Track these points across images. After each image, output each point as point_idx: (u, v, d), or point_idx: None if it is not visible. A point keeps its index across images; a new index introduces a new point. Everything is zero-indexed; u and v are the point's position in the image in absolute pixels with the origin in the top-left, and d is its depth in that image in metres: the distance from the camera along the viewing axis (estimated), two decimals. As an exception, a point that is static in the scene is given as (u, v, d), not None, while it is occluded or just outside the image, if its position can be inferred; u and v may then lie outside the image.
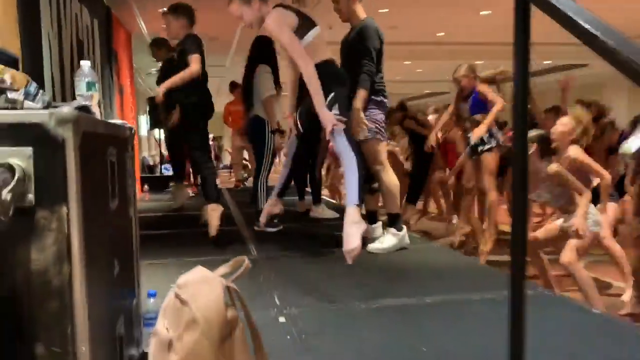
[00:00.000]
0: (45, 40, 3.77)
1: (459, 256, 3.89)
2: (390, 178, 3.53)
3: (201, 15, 6.78)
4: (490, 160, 4.68)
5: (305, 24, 3.00)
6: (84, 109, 1.20)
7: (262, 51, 4.62)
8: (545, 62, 14.36)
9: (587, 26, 0.89)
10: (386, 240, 3.51)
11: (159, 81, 4.76)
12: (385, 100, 3.57)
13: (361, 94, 3.35)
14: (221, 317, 1.22)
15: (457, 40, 11.75)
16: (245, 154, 9.61)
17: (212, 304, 1.21)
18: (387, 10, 8.80)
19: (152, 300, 1.88)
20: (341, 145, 2.78)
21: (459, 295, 2.55)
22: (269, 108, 4.53)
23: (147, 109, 9.46)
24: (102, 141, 1.30)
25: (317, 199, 5.14)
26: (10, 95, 1.09)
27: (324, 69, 2.88)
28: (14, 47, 3.08)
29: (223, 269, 1.36)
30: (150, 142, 15.64)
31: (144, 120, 12.51)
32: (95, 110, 1.55)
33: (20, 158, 1.02)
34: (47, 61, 3.79)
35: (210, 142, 12.77)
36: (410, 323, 2.21)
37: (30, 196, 1.03)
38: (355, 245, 2.52)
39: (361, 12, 3.59)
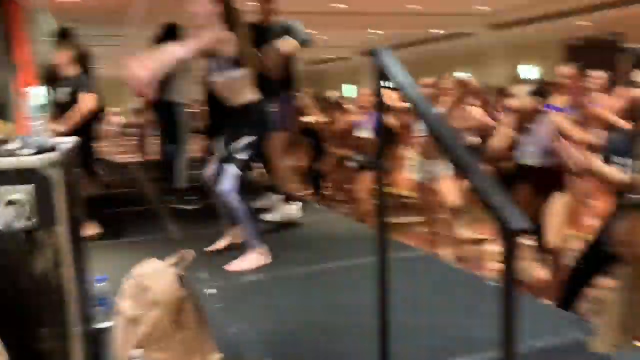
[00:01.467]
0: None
1: (355, 224, 4.50)
2: (282, 162, 4.15)
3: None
4: None
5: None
6: (53, 148, 1.56)
7: (170, 35, 4.86)
8: (432, 31, 15.35)
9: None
10: (280, 211, 4.04)
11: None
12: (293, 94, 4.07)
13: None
14: (175, 297, 1.66)
15: (356, 10, 12.32)
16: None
17: (168, 288, 1.65)
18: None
19: (102, 284, 2.24)
20: (234, 202, 2.88)
21: (353, 260, 3.10)
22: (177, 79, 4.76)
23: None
24: (70, 169, 1.66)
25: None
26: (10, 145, 1.43)
27: (256, 108, 2.99)
28: None
29: (171, 260, 1.78)
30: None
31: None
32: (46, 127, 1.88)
33: (24, 194, 1.38)
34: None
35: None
36: (315, 286, 2.75)
37: (33, 221, 1.40)
38: (244, 268, 2.94)
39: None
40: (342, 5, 11.60)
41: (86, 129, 4.38)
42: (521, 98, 3.47)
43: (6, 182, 1.37)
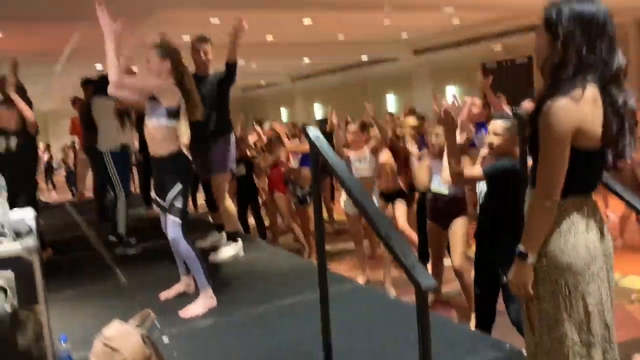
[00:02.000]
0: None
1: (297, 258, 4.77)
2: (229, 204, 4.35)
3: (33, 34, 6.82)
4: None
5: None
6: (30, 230, 1.75)
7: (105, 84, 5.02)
8: (362, 57, 16.04)
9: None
10: (225, 251, 4.28)
11: None
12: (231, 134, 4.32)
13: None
14: (142, 356, 1.87)
15: (283, 41, 12.75)
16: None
17: (137, 349, 1.86)
18: (217, 20, 9.35)
19: (63, 344, 2.39)
20: (183, 249, 3.12)
21: (297, 297, 3.37)
22: (103, 130, 4.97)
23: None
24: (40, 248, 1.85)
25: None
26: (-11, 236, 1.62)
27: (179, 158, 3.19)
28: None
29: (134, 322, 1.99)
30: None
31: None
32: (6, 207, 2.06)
33: (5, 280, 1.58)
34: None
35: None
36: (262, 326, 2.99)
37: (15, 302, 1.59)
38: (197, 313, 3.12)
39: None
40: (269, 37, 12.00)
41: (30, 176, 4.48)
42: (439, 136, 3.87)
43: (-9, 271, 1.56)
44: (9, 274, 1.58)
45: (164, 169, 3.16)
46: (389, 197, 4.87)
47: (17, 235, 1.67)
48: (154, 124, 3.13)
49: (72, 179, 10.83)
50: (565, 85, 1.58)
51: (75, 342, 2.36)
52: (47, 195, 13.22)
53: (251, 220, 6.58)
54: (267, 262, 4.37)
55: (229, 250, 4.30)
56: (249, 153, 6.37)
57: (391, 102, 17.37)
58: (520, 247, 1.67)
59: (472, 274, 3.31)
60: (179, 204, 3.12)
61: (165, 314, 3.18)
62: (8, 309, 1.52)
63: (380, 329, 2.86)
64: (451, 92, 15.14)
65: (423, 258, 4.41)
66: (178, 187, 3.11)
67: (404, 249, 1.51)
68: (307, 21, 10.22)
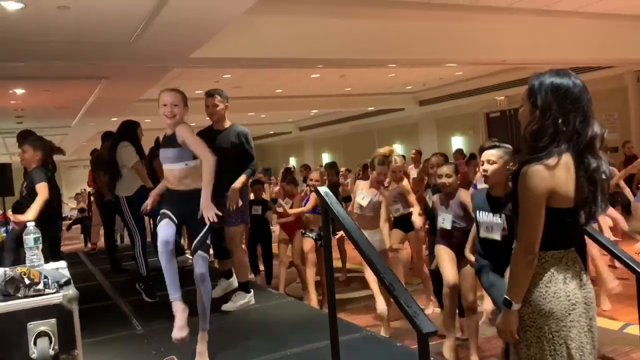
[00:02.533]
0: None
1: (307, 307, 4.89)
2: (242, 254, 4.51)
3: (56, 91, 7.23)
4: None
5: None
6: (68, 281, 1.94)
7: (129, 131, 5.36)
8: (369, 109, 16.47)
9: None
10: (237, 301, 4.42)
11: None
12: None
13: (242, 179, 4.25)
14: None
15: (292, 95, 13.21)
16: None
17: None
18: (229, 75, 9.77)
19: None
20: (208, 285, 3.27)
21: (307, 346, 3.50)
22: (141, 171, 5.18)
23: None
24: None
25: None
26: (37, 287, 1.81)
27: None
28: None
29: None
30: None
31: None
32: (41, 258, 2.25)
33: (49, 326, 1.76)
34: None
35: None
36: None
37: (55, 348, 1.76)
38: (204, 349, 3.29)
39: (228, 119, 4.49)
40: (278, 90, 12.43)
41: (52, 222, 4.65)
42: (451, 177, 4.07)
43: (37, 318, 1.74)
44: (52, 321, 1.76)
45: (195, 203, 3.20)
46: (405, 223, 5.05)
47: (58, 285, 1.86)
48: (182, 167, 3.28)
49: (85, 229, 11.04)
50: (542, 152, 1.78)
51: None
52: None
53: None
54: (277, 311, 4.50)
55: (240, 300, 4.44)
56: (264, 195, 6.65)
57: (397, 151, 17.66)
58: (506, 295, 1.85)
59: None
60: (208, 240, 3.28)
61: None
62: (52, 353, 1.69)
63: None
64: (456, 142, 15.49)
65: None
66: (205, 228, 3.23)
67: (407, 297, 1.68)
68: (314, 76, 10.64)
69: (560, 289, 1.84)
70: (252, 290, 4.55)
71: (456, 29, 7.21)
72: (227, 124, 4.47)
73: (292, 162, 24.13)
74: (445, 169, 4.06)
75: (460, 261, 3.99)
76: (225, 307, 4.37)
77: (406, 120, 16.91)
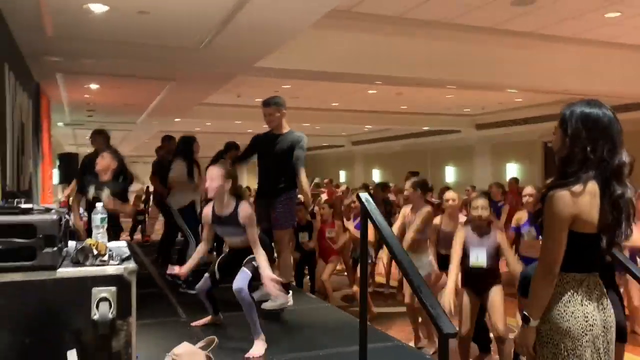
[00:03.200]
0: (9, 132, 4.53)
1: (342, 313, 5.02)
2: (288, 256, 4.71)
3: (126, 88, 7.70)
4: None
5: None
6: (129, 257, 2.17)
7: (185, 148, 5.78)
8: (424, 128, 16.46)
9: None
10: (277, 299, 4.52)
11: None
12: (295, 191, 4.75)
13: (305, 188, 4.58)
14: (206, 373, 2.22)
15: (348, 109, 13.41)
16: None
17: (201, 366, 2.21)
18: (289, 86, 10.06)
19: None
20: (245, 298, 3.44)
21: (339, 349, 3.63)
22: (177, 190, 5.60)
23: (57, 164, 9.89)
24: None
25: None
26: (102, 258, 2.05)
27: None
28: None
29: (200, 344, 2.35)
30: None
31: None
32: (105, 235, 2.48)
33: (110, 293, 1.98)
34: (9, 152, 4.54)
35: None
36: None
37: (113, 313, 1.98)
38: (260, 354, 3.42)
39: (286, 125, 4.69)
40: (334, 103, 12.67)
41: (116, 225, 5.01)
42: (485, 210, 4.09)
43: (100, 284, 1.97)
44: (113, 289, 1.98)
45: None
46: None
47: (120, 259, 2.09)
48: (239, 239, 3.66)
49: (140, 222, 11.50)
50: (570, 178, 1.88)
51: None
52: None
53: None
54: (314, 314, 4.65)
55: (279, 299, 4.61)
56: (309, 218, 6.83)
57: (450, 174, 17.52)
58: (525, 312, 1.95)
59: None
60: (255, 262, 3.55)
61: (218, 349, 3.51)
62: (109, 316, 1.91)
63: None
64: (511, 169, 15.25)
65: None
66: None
67: (432, 301, 1.81)
68: (371, 91, 10.80)
69: (578, 309, 1.91)
70: (291, 292, 4.72)
71: (519, 55, 7.23)
72: (285, 129, 4.64)
73: (343, 175, 24.31)
74: (481, 202, 4.02)
75: (486, 293, 4.03)
76: (265, 305, 4.54)
77: (461, 142, 16.77)
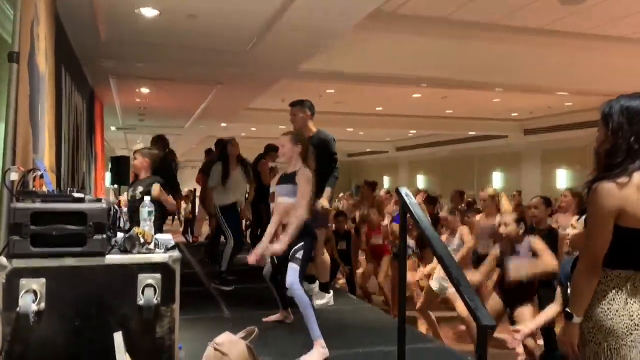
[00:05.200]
0: (64, 131, 4.75)
1: (382, 314, 5.00)
2: (324, 257, 4.75)
3: (175, 92, 7.91)
4: None
5: None
6: (175, 246, 2.24)
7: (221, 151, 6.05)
8: (470, 133, 16.19)
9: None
10: (317, 299, 4.62)
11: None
12: None
13: (328, 192, 4.52)
14: (246, 362, 2.26)
15: (392, 113, 13.33)
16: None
17: (242, 354, 2.25)
18: (332, 90, 10.11)
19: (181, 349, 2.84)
20: (298, 294, 3.38)
21: (376, 348, 3.62)
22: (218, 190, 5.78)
23: (110, 167, 10.25)
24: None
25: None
26: (149, 246, 2.13)
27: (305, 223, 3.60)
28: (50, 148, 3.99)
29: (241, 334, 2.39)
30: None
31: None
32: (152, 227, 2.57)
33: (155, 280, 2.05)
34: (64, 151, 4.75)
35: None
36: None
37: (158, 299, 2.05)
38: None
39: (312, 126, 4.74)
40: (379, 108, 12.62)
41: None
42: (509, 225, 4.02)
43: (146, 271, 2.04)
44: (158, 276, 2.05)
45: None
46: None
47: (166, 248, 2.16)
48: (287, 200, 3.64)
49: (187, 226, 11.75)
50: (614, 171, 1.82)
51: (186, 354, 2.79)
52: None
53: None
54: (353, 314, 4.66)
55: (319, 299, 4.65)
56: (346, 227, 6.87)
57: (497, 180, 17.17)
58: (567, 309, 1.89)
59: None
60: (299, 255, 3.48)
61: (259, 343, 3.56)
62: (154, 302, 1.98)
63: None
64: (561, 175, 14.82)
65: None
66: (301, 243, 3.52)
67: (471, 293, 1.79)
68: (416, 95, 10.73)
69: (622, 307, 1.84)
70: (331, 292, 4.75)
71: (569, 56, 7.02)
72: (313, 130, 4.68)
73: (386, 181, 24.18)
74: (507, 218, 4.04)
75: (517, 305, 3.94)
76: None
77: (509, 148, 16.41)
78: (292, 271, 3.44)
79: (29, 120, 2.65)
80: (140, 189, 4.65)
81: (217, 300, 5.00)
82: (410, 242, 6.02)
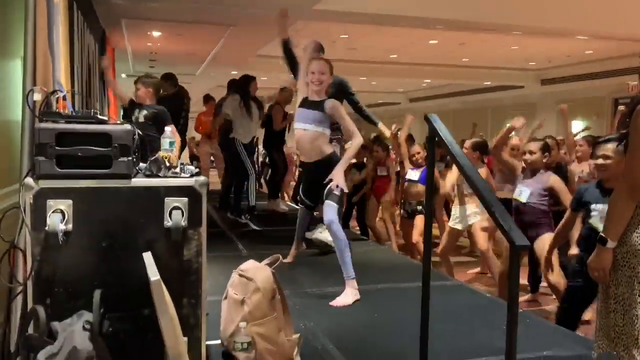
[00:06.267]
0: (77, 70, 4.68)
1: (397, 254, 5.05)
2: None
3: (188, 35, 7.74)
4: None
5: None
6: (199, 172, 2.21)
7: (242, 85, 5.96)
8: (485, 83, 15.90)
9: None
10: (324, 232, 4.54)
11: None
12: None
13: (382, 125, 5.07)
14: (271, 287, 2.26)
15: (407, 61, 13.06)
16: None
17: (267, 279, 2.26)
18: (347, 35, 9.89)
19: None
20: (336, 231, 3.34)
21: (395, 284, 3.66)
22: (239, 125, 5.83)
23: (122, 114, 10.21)
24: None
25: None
26: (175, 170, 2.10)
27: (333, 160, 3.56)
28: (68, 79, 3.93)
29: (266, 261, 2.39)
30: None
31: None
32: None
33: (182, 203, 2.03)
34: (77, 87, 4.70)
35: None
36: (362, 301, 3.31)
37: (185, 222, 2.04)
38: (346, 304, 3.25)
39: None
40: (394, 56, 12.35)
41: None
42: (535, 154, 4.04)
43: (173, 195, 2.02)
44: (184, 199, 2.03)
45: (324, 171, 3.50)
46: None
47: (191, 173, 2.14)
48: (312, 128, 3.52)
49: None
50: None
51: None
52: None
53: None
54: (370, 255, 4.70)
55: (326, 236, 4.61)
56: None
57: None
58: (601, 233, 1.86)
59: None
60: (337, 192, 3.42)
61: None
62: (181, 224, 1.96)
63: (472, 319, 3.07)
64: (577, 126, 14.58)
65: None
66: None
67: (503, 214, 1.76)
68: (432, 42, 10.47)
69: None
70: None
71: (591, -2, 6.79)
72: None
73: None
74: (532, 146, 4.09)
75: (533, 234, 3.95)
76: (308, 234, 4.54)
77: (524, 99, 16.12)
78: (330, 208, 3.39)
79: (48, 49, 2.59)
80: (144, 112, 4.63)
81: (233, 240, 5.06)
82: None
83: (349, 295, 3.30)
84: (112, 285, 1.96)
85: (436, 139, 2.16)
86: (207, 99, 9.51)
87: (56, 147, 1.95)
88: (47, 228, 1.88)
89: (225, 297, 2.40)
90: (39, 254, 1.92)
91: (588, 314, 3.78)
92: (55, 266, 1.94)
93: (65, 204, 1.94)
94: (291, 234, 4.17)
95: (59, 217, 1.90)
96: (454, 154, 2.06)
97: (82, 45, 5.14)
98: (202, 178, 2.09)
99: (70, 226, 1.94)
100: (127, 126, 2.05)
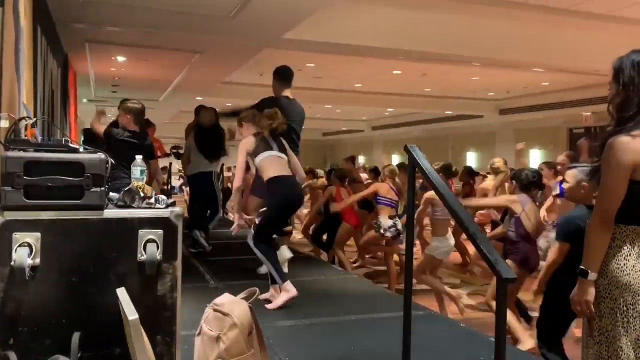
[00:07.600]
0: (39, 94, 4.53)
1: (369, 284, 5.00)
2: None
3: (153, 61, 7.63)
4: None
5: (260, 147, 3.80)
6: (174, 203, 2.14)
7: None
8: (447, 112, 16.28)
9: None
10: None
11: None
12: None
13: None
14: (249, 322, 2.18)
15: (371, 90, 13.27)
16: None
17: (244, 315, 2.18)
18: (313, 64, 9.97)
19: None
20: (255, 251, 3.74)
21: (370, 315, 3.61)
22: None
23: (82, 139, 9.95)
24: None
25: None
26: (149, 200, 2.02)
27: (271, 184, 3.74)
28: (31, 104, 3.79)
29: (242, 295, 2.32)
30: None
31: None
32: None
33: (157, 236, 1.95)
34: (39, 111, 4.55)
35: None
36: (337, 333, 3.24)
37: (160, 255, 1.96)
38: (276, 305, 3.65)
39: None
40: (358, 85, 12.54)
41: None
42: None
43: (147, 227, 1.94)
44: (159, 231, 1.95)
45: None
46: None
47: (166, 204, 2.06)
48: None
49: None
50: (628, 124, 1.82)
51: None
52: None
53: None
54: (342, 284, 4.64)
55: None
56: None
57: (472, 160, 17.34)
58: (581, 266, 1.88)
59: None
60: (259, 220, 3.78)
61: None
62: (156, 258, 1.88)
63: (452, 351, 3.05)
64: (534, 155, 15.02)
65: None
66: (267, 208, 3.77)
67: (489, 246, 1.75)
68: (396, 72, 10.67)
69: (638, 262, 1.84)
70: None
71: (549, 32, 7.03)
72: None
73: (361, 160, 24.19)
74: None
75: None
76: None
77: (483, 128, 16.58)
78: (249, 234, 3.80)
79: (15, 70, 2.49)
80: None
81: (201, 272, 4.92)
82: (389, 221, 5.97)
83: (279, 298, 3.67)
84: (82, 323, 1.85)
85: (416, 169, 2.16)
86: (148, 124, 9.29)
87: (24, 177, 1.85)
88: (12, 263, 1.77)
89: (199, 333, 2.30)
90: (3, 290, 1.80)
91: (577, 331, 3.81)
92: (21, 303, 1.82)
93: (33, 237, 1.83)
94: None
95: (26, 251, 1.79)
96: (434, 182, 2.06)
97: (45, 70, 5.00)
98: (177, 209, 2.02)
99: (38, 260, 1.83)
100: (101, 155, 1.97)
